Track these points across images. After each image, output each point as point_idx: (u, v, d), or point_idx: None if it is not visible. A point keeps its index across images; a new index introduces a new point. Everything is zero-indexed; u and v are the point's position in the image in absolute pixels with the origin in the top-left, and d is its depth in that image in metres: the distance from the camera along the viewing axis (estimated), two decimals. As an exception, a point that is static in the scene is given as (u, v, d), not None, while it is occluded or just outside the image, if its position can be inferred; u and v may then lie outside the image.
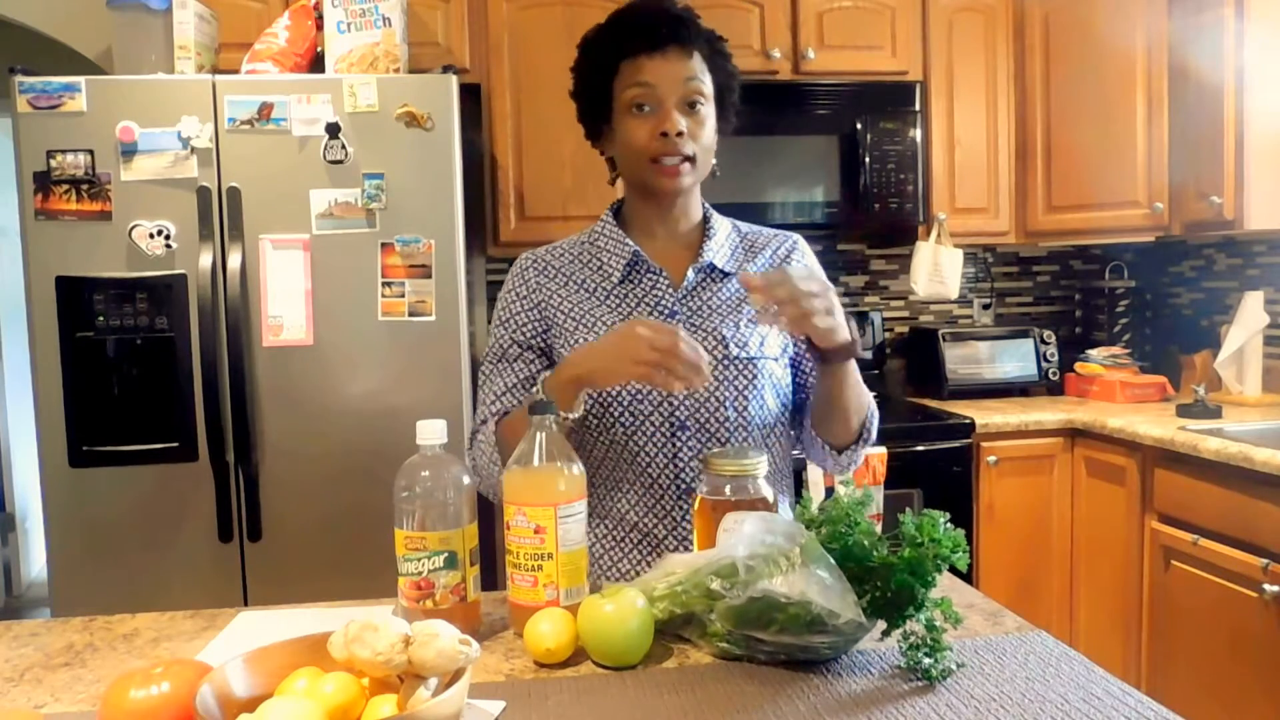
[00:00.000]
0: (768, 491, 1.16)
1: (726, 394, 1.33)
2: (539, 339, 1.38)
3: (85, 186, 2.26)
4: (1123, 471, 2.62)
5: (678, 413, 1.32)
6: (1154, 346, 3.34)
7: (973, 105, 3.08)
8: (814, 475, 2.56)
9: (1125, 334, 3.29)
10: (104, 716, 0.84)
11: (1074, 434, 2.81)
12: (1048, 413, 2.84)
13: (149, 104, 2.27)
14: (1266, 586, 2.10)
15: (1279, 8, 2.61)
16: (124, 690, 0.84)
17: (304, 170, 2.31)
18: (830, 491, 2.54)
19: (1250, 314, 2.83)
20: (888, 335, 3.40)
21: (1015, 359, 3.20)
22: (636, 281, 1.37)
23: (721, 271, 1.39)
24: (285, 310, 2.33)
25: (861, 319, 3.28)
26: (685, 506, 1.32)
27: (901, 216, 3.00)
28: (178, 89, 2.30)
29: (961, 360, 3.18)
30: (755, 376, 1.34)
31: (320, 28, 2.52)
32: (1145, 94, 2.93)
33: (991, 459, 2.77)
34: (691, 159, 1.32)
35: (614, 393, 1.32)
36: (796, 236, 1.48)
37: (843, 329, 1.20)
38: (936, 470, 2.73)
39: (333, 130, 2.31)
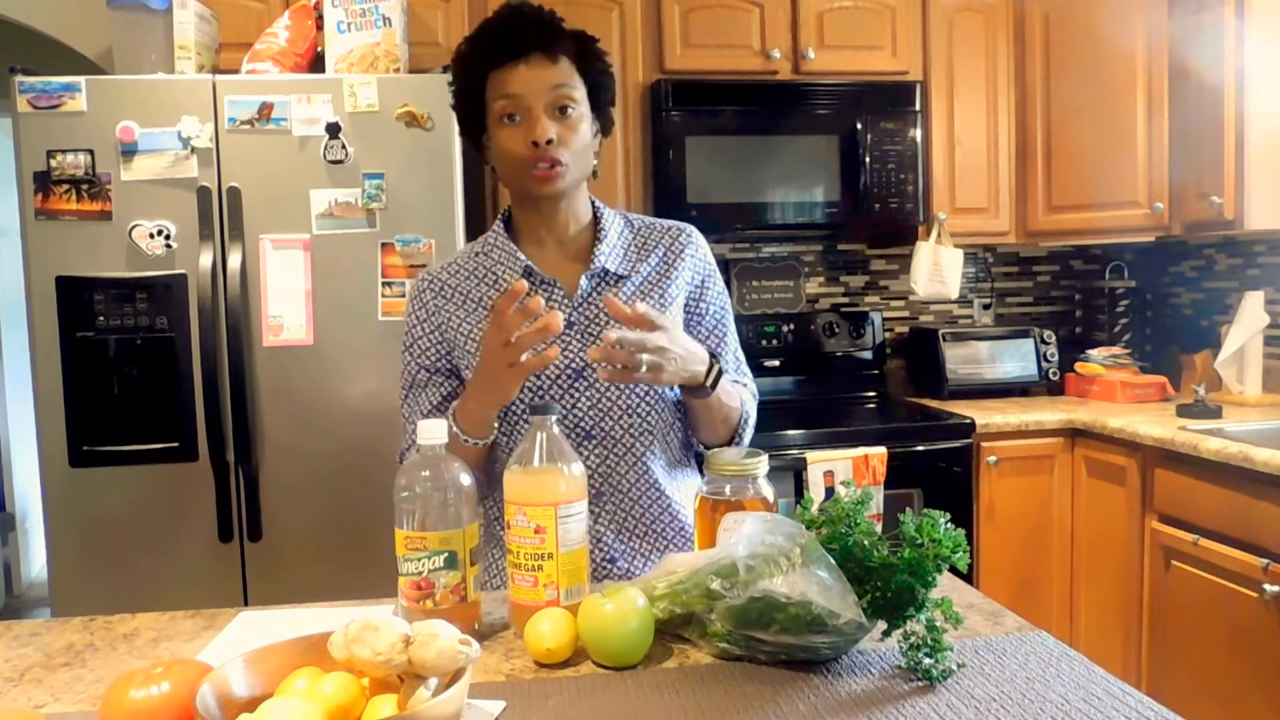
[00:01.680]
0: (768, 491, 1.16)
1: (629, 402, 1.35)
2: (444, 361, 1.40)
3: (85, 186, 2.26)
4: (1123, 471, 2.62)
5: (582, 423, 1.35)
6: (1154, 346, 3.34)
7: (973, 105, 3.08)
8: (814, 475, 2.56)
9: (1125, 334, 3.29)
10: (104, 716, 0.84)
11: (1074, 434, 2.81)
12: (1048, 413, 2.84)
13: (149, 104, 2.27)
14: (1266, 586, 2.10)
15: (1279, 8, 2.61)
16: (124, 690, 0.84)
17: (304, 170, 2.31)
18: (830, 492, 2.54)
19: (1250, 314, 2.83)
20: (888, 335, 3.40)
21: (1015, 359, 3.20)
22: (531, 295, 1.36)
23: (615, 275, 1.39)
24: (285, 310, 2.33)
25: (861, 319, 3.28)
26: (595, 511, 1.34)
27: (901, 216, 3.00)
28: (178, 89, 2.30)
29: (961, 360, 3.18)
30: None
31: (320, 28, 2.52)
32: (1145, 94, 2.93)
33: (991, 459, 2.77)
34: (565, 163, 1.31)
35: (519, 409, 1.34)
36: (691, 229, 1.47)
37: (689, 376, 1.26)
38: (936, 470, 2.73)
39: (333, 130, 2.31)
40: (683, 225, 1.47)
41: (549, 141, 1.28)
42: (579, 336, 1.36)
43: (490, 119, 1.33)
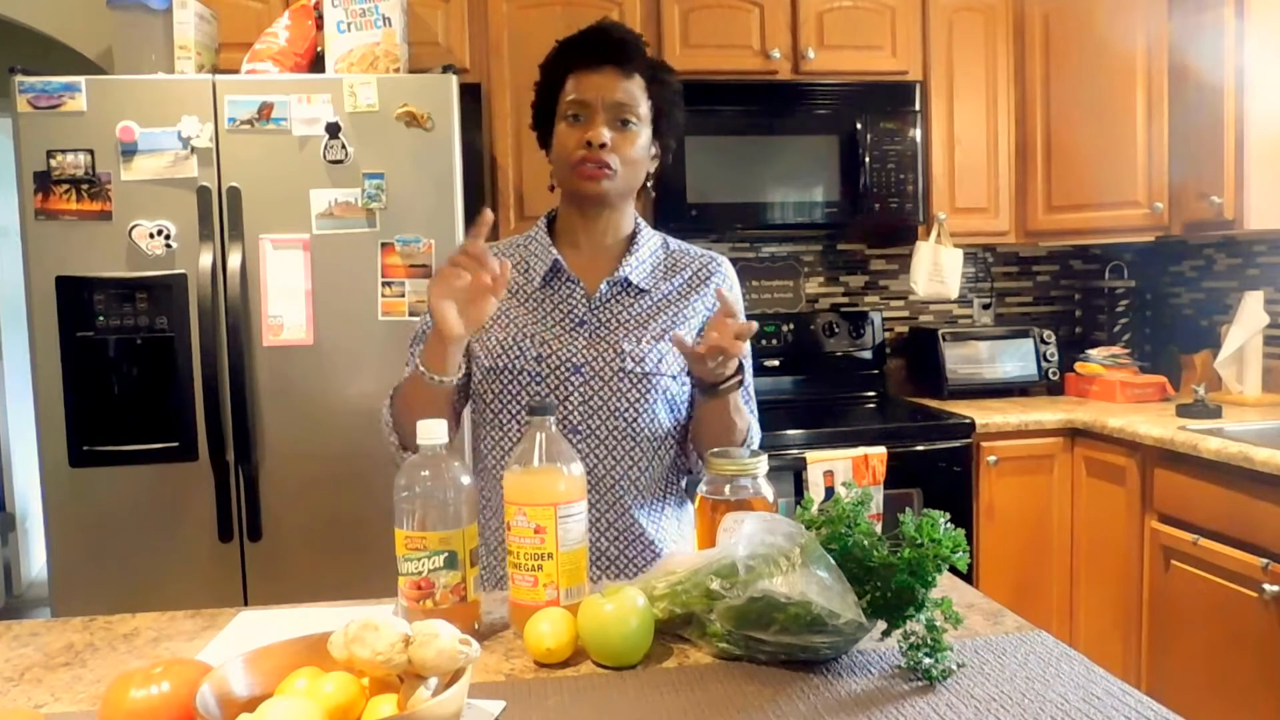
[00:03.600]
0: (768, 491, 1.16)
1: (618, 405, 1.39)
2: None
3: (85, 186, 2.26)
4: (1123, 471, 2.62)
5: (570, 418, 1.39)
6: (1154, 346, 3.34)
7: (973, 105, 3.08)
8: (814, 475, 2.56)
9: (1125, 334, 3.29)
10: (104, 716, 0.84)
11: (1074, 434, 2.81)
12: (1048, 413, 2.84)
13: (149, 104, 2.27)
14: (1266, 586, 2.10)
15: (1279, 8, 2.61)
16: (124, 690, 0.84)
17: (304, 170, 2.31)
18: (830, 492, 2.54)
19: (1250, 314, 2.84)
20: (888, 335, 3.39)
21: (1015, 359, 3.20)
22: (555, 288, 1.44)
23: (637, 288, 1.44)
24: (285, 310, 2.33)
25: (861, 319, 3.28)
26: None
27: (901, 216, 3.00)
28: (178, 89, 2.30)
29: (961, 360, 3.18)
30: (648, 391, 1.40)
31: (320, 27, 2.52)
32: (1145, 94, 2.93)
33: (991, 459, 2.77)
34: (611, 168, 1.38)
35: (513, 393, 1.39)
36: (722, 259, 1.53)
37: (725, 372, 1.30)
38: (936, 470, 2.73)
39: (333, 130, 2.31)
40: (715, 255, 1.53)
41: (602, 145, 1.36)
42: (587, 335, 1.40)
43: (558, 116, 1.41)
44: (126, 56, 2.45)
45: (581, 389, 1.38)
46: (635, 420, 1.39)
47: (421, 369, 1.29)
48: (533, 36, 2.83)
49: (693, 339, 1.44)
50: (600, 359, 1.38)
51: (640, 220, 1.51)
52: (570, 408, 1.38)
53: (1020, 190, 3.12)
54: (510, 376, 1.38)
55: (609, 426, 1.39)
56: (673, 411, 1.43)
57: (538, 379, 1.38)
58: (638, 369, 1.38)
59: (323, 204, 2.32)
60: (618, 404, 1.39)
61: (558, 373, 1.38)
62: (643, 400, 1.39)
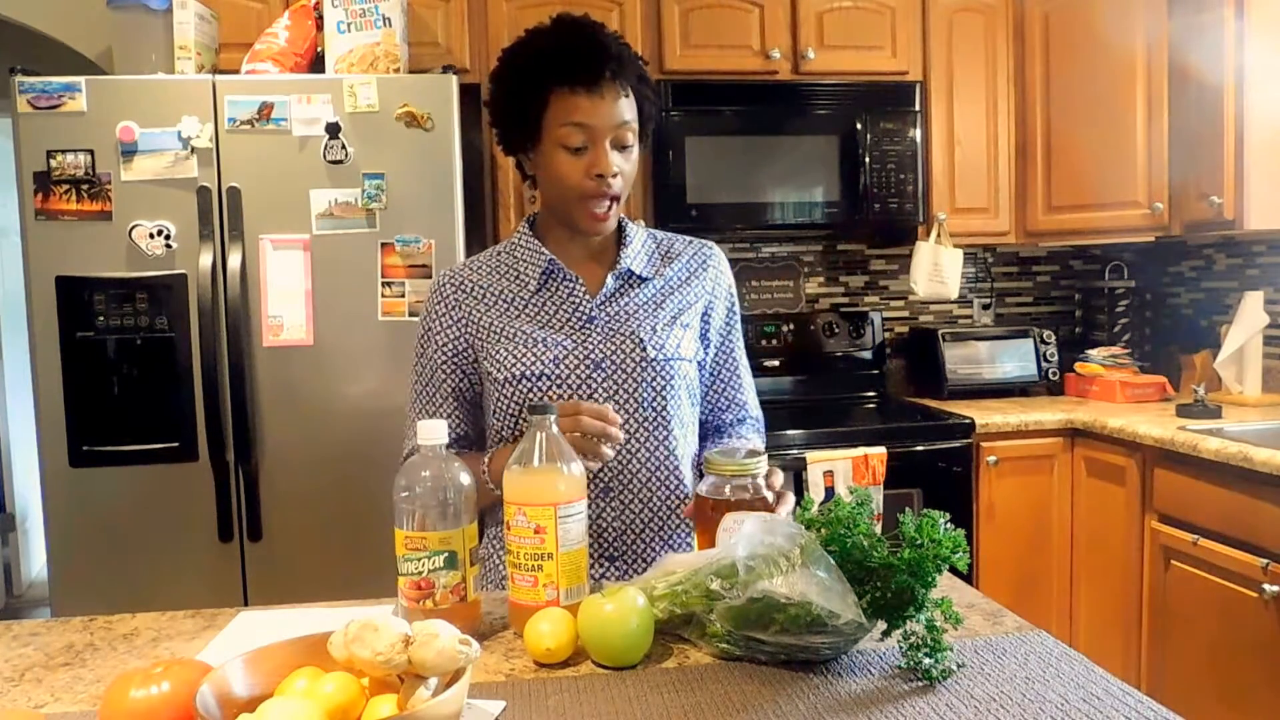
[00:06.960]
0: (768, 492, 1.16)
1: (645, 394, 1.37)
2: (461, 356, 1.42)
3: (85, 186, 2.26)
4: (1123, 471, 2.62)
5: None
6: (1154, 346, 3.34)
7: (973, 105, 3.08)
8: (814, 476, 2.56)
9: (1125, 334, 3.29)
10: (104, 716, 0.84)
11: (1074, 434, 2.81)
12: (1047, 413, 2.84)
13: (149, 104, 2.27)
14: (1266, 586, 2.10)
15: (1279, 8, 2.61)
16: (124, 690, 0.84)
17: (304, 170, 2.31)
18: (830, 492, 2.54)
19: (1250, 314, 2.83)
20: (888, 335, 3.39)
21: (1015, 359, 3.20)
22: (553, 290, 1.40)
23: (639, 277, 1.43)
24: (285, 310, 2.33)
25: (861, 319, 3.28)
26: (600, 506, 1.36)
27: (901, 216, 3.00)
28: (178, 89, 2.30)
29: (961, 360, 3.18)
30: (672, 377, 1.39)
31: (320, 28, 2.52)
32: (1145, 94, 2.93)
33: (991, 459, 2.77)
34: (617, 198, 1.36)
35: (535, 399, 1.35)
36: (714, 246, 1.52)
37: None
38: (936, 470, 2.73)
39: (333, 130, 2.31)
40: (706, 241, 1.52)
41: (614, 175, 1.32)
42: (599, 331, 1.38)
43: (548, 139, 1.33)
44: (126, 57, 2.45)
45: (605, 384, 1.36)
46: (664, 408, 1.38)
47: (496, 487, 1.26)
48: (533, 36, 2.84)
49: (698, 322, 1.45)
50: (620, 351, 1.37)
51: (623, 216, 1.48)
52: (597, 402, 1.35)
53: (1020, 190, 3.12)
54: (530, 383, 1.35)
55: (638, 418, 1.37)
56: (691, 395, 1.43)
57: (558, 381, 1.35)
58: (659, 355, 1.37)
59: (323, 204, 2.32)
60: (644, 394, 1.37)
61: (578, 371, 1.35)
62: (668, 386, 1.38)
